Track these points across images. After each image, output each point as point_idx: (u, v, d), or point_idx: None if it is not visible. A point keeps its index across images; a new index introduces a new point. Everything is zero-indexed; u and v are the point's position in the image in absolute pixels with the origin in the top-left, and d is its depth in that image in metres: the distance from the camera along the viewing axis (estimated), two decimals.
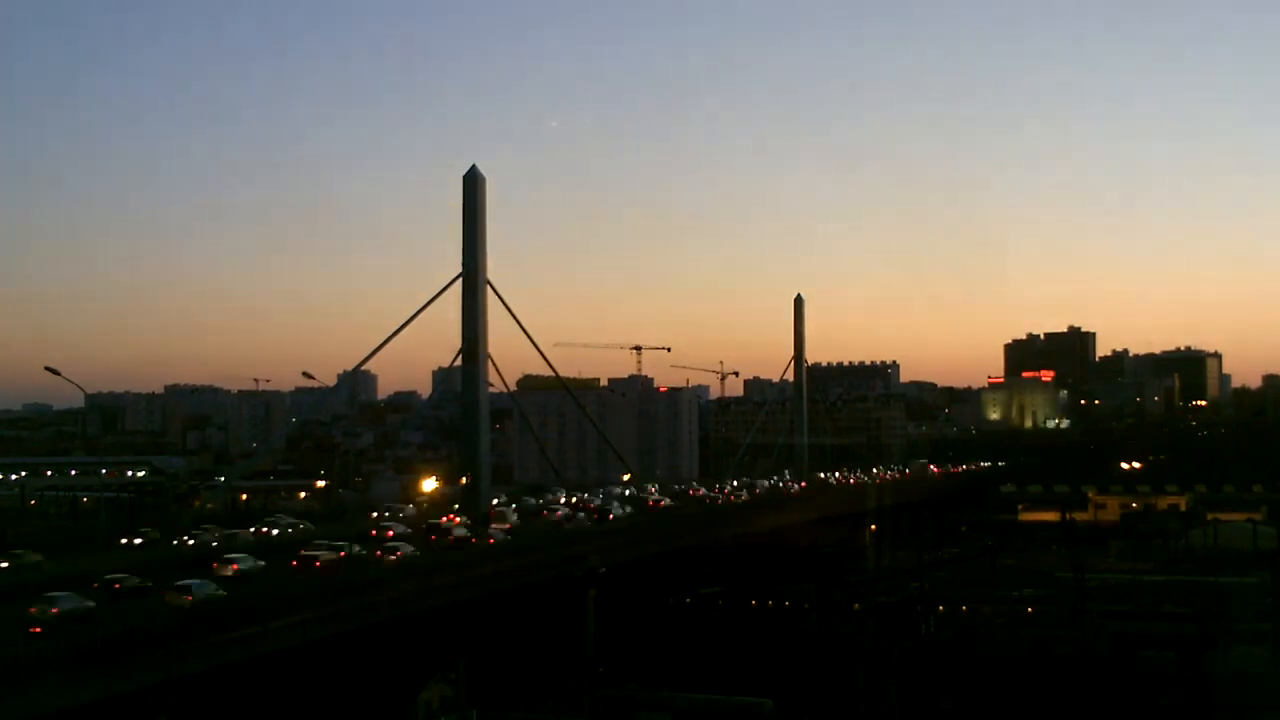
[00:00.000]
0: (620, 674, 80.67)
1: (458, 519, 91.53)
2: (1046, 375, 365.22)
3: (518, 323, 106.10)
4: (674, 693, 73.83)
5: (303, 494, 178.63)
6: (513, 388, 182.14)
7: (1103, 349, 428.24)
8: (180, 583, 56.56)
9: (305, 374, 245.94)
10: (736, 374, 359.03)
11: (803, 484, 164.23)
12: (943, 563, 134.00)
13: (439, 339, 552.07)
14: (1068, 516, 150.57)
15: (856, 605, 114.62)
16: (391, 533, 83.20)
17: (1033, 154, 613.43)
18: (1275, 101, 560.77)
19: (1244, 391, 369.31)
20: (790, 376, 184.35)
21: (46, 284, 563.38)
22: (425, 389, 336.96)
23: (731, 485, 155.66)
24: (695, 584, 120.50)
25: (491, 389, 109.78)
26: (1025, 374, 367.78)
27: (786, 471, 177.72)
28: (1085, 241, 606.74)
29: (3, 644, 43.63)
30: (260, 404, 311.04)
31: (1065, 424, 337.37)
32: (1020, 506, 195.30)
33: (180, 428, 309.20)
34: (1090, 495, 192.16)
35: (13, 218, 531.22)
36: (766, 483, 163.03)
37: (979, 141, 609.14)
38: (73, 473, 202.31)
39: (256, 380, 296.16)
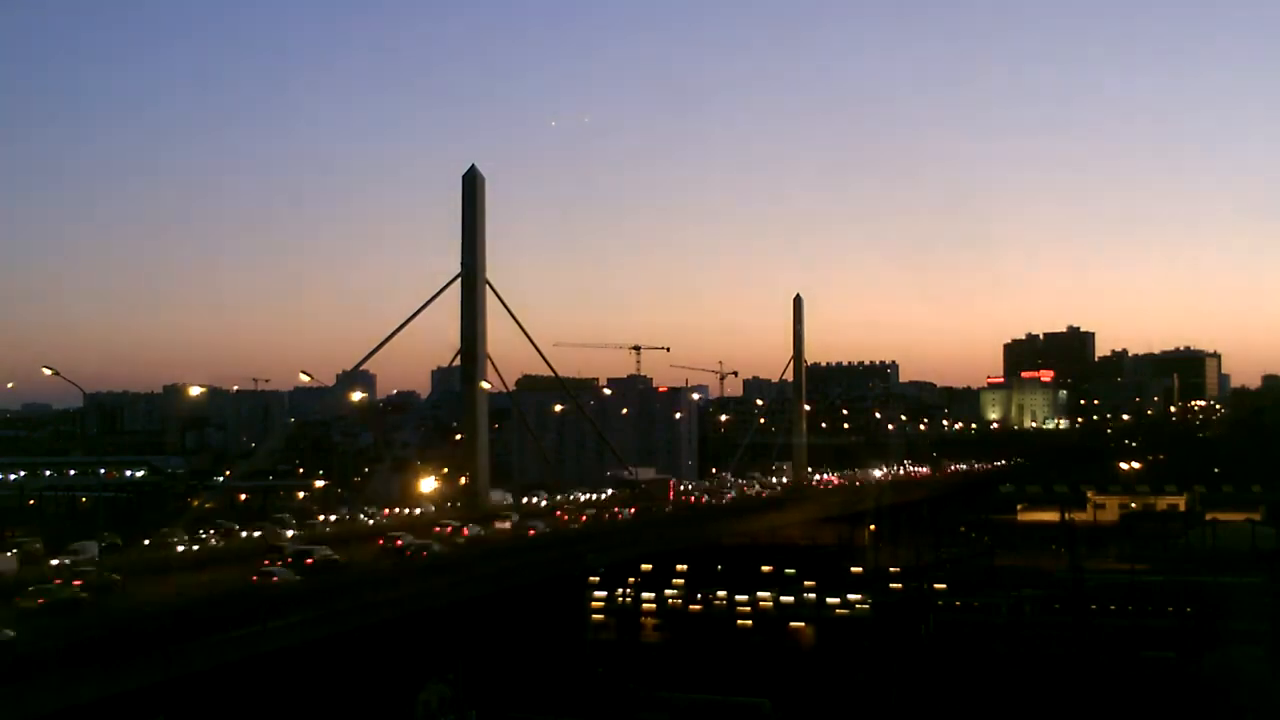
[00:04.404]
0: (620, 674, 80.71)
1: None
2: (1046, 375, 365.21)
3: (517, 322, 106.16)
4: (673, 693, 73.79)
5: (301, 494, 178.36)
6: (512, 387, 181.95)
7: (1102, 349, 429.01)
8: None
9: (304, 374, 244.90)
10: (736, 374, 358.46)
11: (802, 483, 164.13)
12: (942, 563, 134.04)
13: (438, 339, 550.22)
14: (1066, 516, 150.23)
15: (856, 605, 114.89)
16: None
17: (1033, 154, 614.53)
18: (1275, 103, 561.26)
19: (1243, 392, 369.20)
20: (789, 376, 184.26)
21: (47, 284, 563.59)
22: (425, 389, 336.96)
23: (728, 485, 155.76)
24: (695, 584, 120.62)
25: (490, 389, 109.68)
26: (1025, 374, 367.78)
27: (785, 475, 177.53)
28: (1085, 241, 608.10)
29: None
30: (259, 404, 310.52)
31: (1064, 424, 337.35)
32: (1019, 506, 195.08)
33: (179, 427, 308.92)
34: (1089, 495, 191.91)
35: (12, 217, 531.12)
36: (766, 479, 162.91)
37: (979, 142, 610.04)
38: (71, 472, 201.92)
39: (256, 380, 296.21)
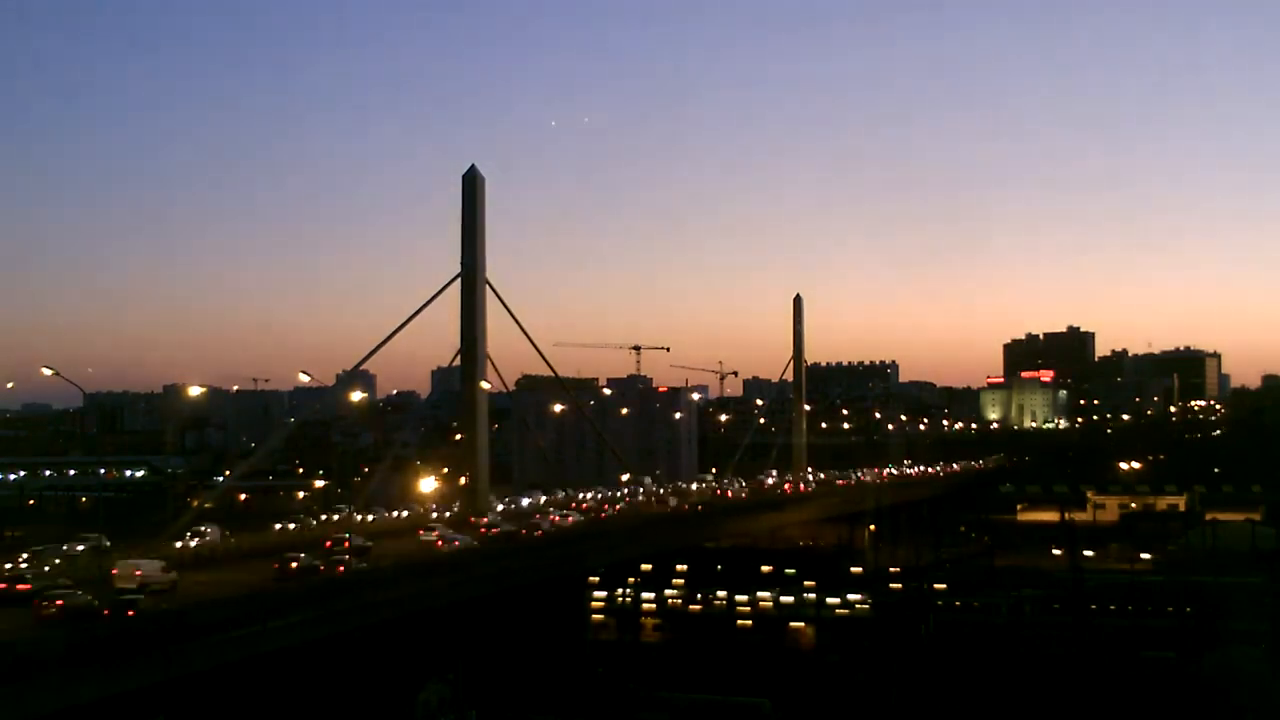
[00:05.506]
0: (620, 674, 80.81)
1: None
2: (1046, 375, 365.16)
3: (516, 322, 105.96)
4: (673, 693, 73.86)
5: (301, 494, 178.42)
6: (512, 387, 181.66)
7: (1102, 349, 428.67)
8: None
9: (304, 374, 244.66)
10: (736, 374, 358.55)
11: (800, 485, 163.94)
12: (942, 563, 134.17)
13: (438, 339, 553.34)
14: (1066, 516, 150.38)
15: (856, 605, 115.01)
16: None
17: (1032, 154, 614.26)
18: (1274, 102, 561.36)
19: (1243, 391, 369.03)
20: (789, 376, 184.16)
21: (46, 284, 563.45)
22: (425, 389, 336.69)
23: (727, 484, 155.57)
24: (695, 584, 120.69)
25: (490, 389, 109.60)
26: (1024, 374, 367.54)
27: (786, 474, 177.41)
28: (1085, 241, 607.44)
29: None
30: (259, 404, 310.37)
31: (1064, 424, 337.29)
32: (1019, 506, 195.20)
33: (179, 427, 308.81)
34: (1089, 495, 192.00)
35: (13, 218, 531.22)
36: (757, 479, 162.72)
37: (979, 142, 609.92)
38: (71, 472, 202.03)
39: (255, 380, 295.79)
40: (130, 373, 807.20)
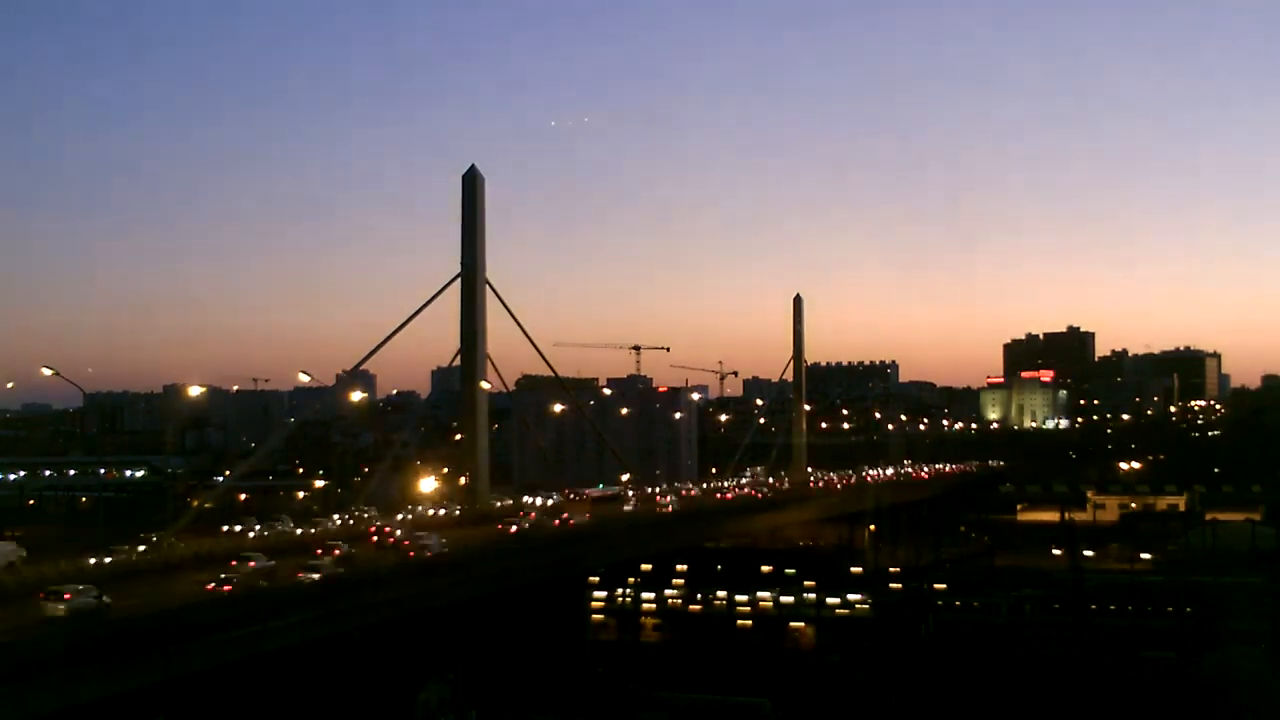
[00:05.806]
0: (620, 674, 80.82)
1: None
2: (1046, 375, 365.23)
3: (516, 322, 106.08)
4: (673, 693, 73.85)
5: (301, 494, 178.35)
6: (512, 387, 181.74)
7: (1102, 349, 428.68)
8: None
9: (304, 374, 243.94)
10: (736, 374, 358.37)
11: (798, 483, 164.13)
12: (942, 563, 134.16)
13: (438, 339, 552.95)
14: (1066, 516, 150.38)
15: (856, 605, 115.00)
16: None
17: (1033, 154, 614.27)
18: (1274, 102, 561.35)
19: (1243, 392, 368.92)
20: (789, 376, 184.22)
21: (46, 284, 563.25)
22: (425, 389, 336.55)
23: (728, 484, 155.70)
24: (695, 584, 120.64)
25: (490, 388, 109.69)
26: (1024, 374, 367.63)
27: (783, 473, 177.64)
28: (1085, 241, 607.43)
29: None
30: (259, 404, 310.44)
31: (1064, 424, 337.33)
32: (1019, 506, 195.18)
33: (179, 427, 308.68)
34: (1089, 495, 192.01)
35: (12, 218, 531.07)
36: (759, 480, 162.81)
37: (979, 142, 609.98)
38: (71, 472, 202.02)
39: (255, 380, 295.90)
40: (130, 373, 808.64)
